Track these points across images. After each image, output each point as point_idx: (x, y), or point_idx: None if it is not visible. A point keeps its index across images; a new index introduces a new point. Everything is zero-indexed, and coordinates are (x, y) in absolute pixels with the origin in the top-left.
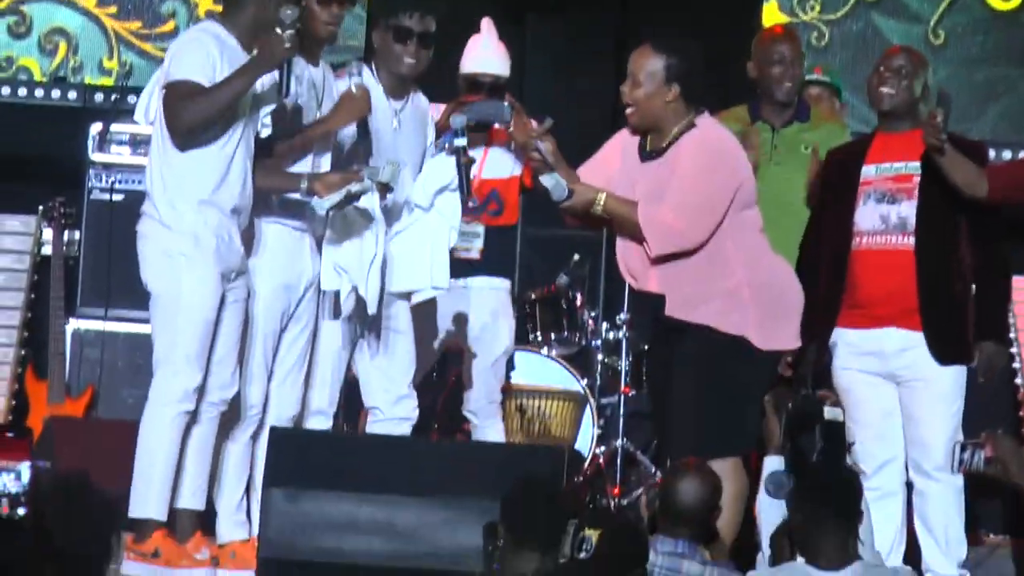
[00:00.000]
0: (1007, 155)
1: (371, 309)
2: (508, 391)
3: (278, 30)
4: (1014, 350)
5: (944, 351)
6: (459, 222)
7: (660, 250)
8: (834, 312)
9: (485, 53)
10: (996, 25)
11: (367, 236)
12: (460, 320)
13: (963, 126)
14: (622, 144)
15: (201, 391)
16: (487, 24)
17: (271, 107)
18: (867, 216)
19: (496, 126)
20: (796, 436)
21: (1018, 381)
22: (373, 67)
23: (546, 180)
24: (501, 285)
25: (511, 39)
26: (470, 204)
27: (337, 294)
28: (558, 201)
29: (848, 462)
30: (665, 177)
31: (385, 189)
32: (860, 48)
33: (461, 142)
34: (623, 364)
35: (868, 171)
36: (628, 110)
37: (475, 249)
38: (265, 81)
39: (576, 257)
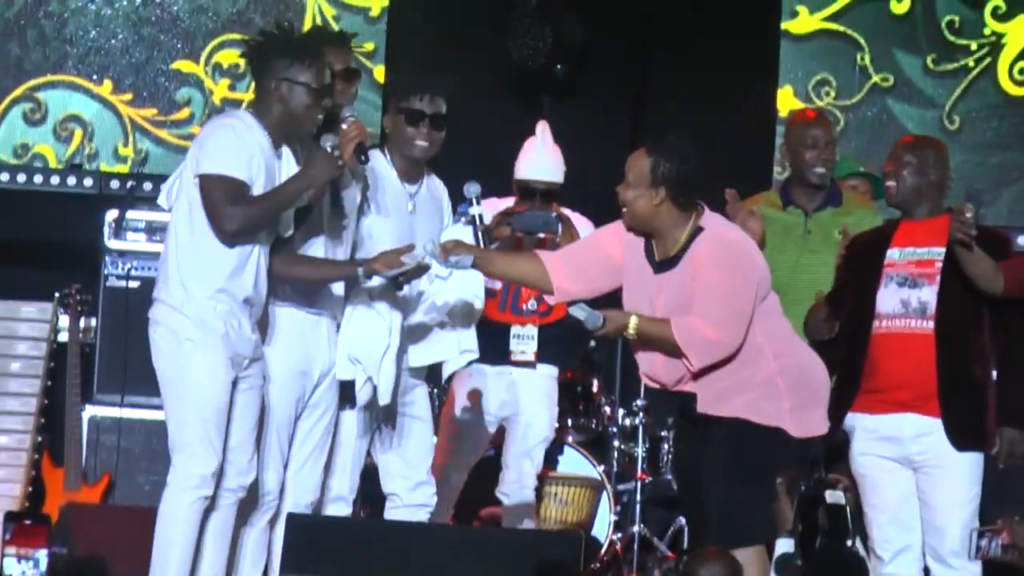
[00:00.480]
0: (1022, 240)
1: (384, 400)
2: (543, 478)
3: (328, 148)
4: None
5: (962, 438)
6: (483, 289)
7: (703, 363)
8: (851, 394)
9: (539, 159)
10: (1010, 110)
11: (380, 327)
12: (506, 404)
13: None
14: (622, 238)
15: (219, 476)
16: (542, 128)
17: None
18: (888, 299)
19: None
20: (807, 519)
21: None
22: (386, 152)
23: (577, 312)
24: (548, 372)
25: (526, 121)
26: (524, 308)
27: (352, 383)
28: (592, 330)
29: (856, 547)
30: (686, 285)
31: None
32: (875, 133)
33: (476, 210)
34: (639, 450)
35: (892, 254)
36: (623, 210)
37: (530, 352)
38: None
39: (592, 343)
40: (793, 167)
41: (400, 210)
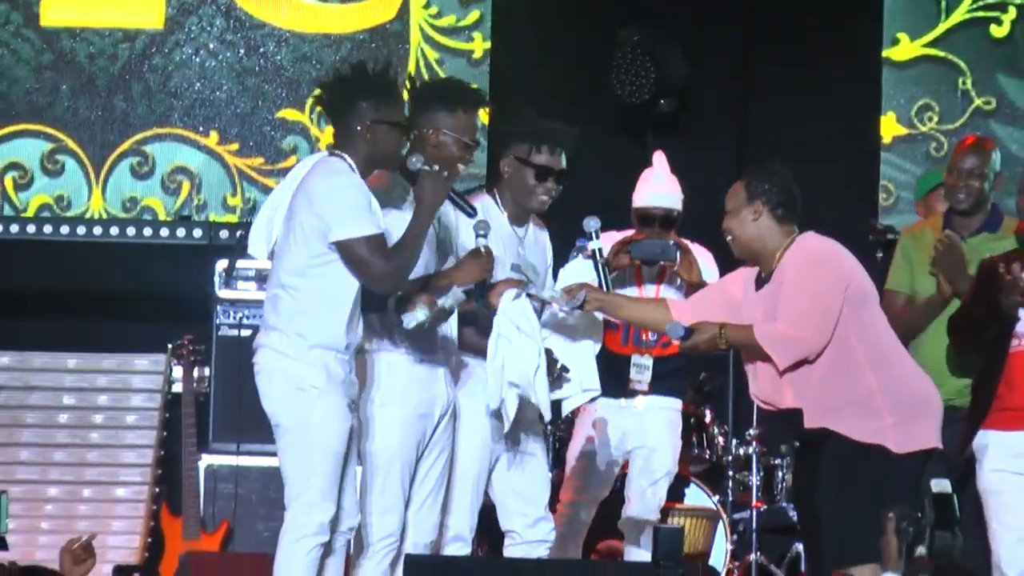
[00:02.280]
0: None
1: (547, 415)
2: (670, 509)
3: (429, 167)
4: None
5: None
6: (601, 327)
7: (785, 361)
8: (984, 410)
9: (657, 187)
10: None
11: (528, 346)
12: (631, 437)
13: None
14: (743, 278)
15: (334, 522)
16: (659, 158)
17: None
18: None
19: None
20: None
21: None
22: (497, 195)
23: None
24: (671, 405)
25: (631, 157)
26: (644, 340)
27: (499, 413)
28: (676, 340)
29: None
30: (775, 296)
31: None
32: None
33: (596, 244)
34: (754, 479)
35: None
36: (728, 240)
37: (645, 383)
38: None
39: (703, 375)
40: (946, 192)
41: (511, 254)
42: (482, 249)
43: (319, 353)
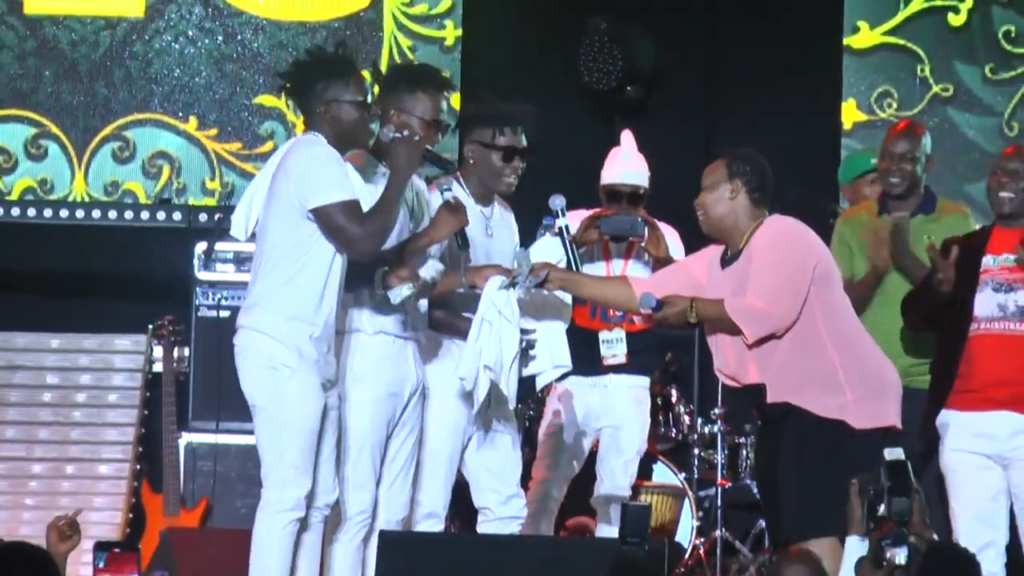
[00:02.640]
0: None
1: (512, 404)
2: (638, 487)
3: (401, 134)
4: None
5: None
6: (570, 304)
7: (756, 334)
8: (945, 392)
9: (625, 164)
10: None
11: (509, 334)
12: (601, 415)
13: None
14: (707, 258)
15: (310, 498)
16: (626, 136)
17: None
18: (985, 303)
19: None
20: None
21: None
22: (461, 179)
23: (641, 300)
24: (639, 383)
25: (599, 142)
26: (612, 315)
27: (471, 394)
28: (646, 311)
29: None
30: (744, 273)
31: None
32: (937, 142)
33: (562, 222)
34: (719, 457)
35: (987, 261)
36: (699, 216)
37: (621, 354)
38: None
39: (669, 355)
40: (879, 176)
41: (480, 235)
42: (452, 201)
43: (292, 332)
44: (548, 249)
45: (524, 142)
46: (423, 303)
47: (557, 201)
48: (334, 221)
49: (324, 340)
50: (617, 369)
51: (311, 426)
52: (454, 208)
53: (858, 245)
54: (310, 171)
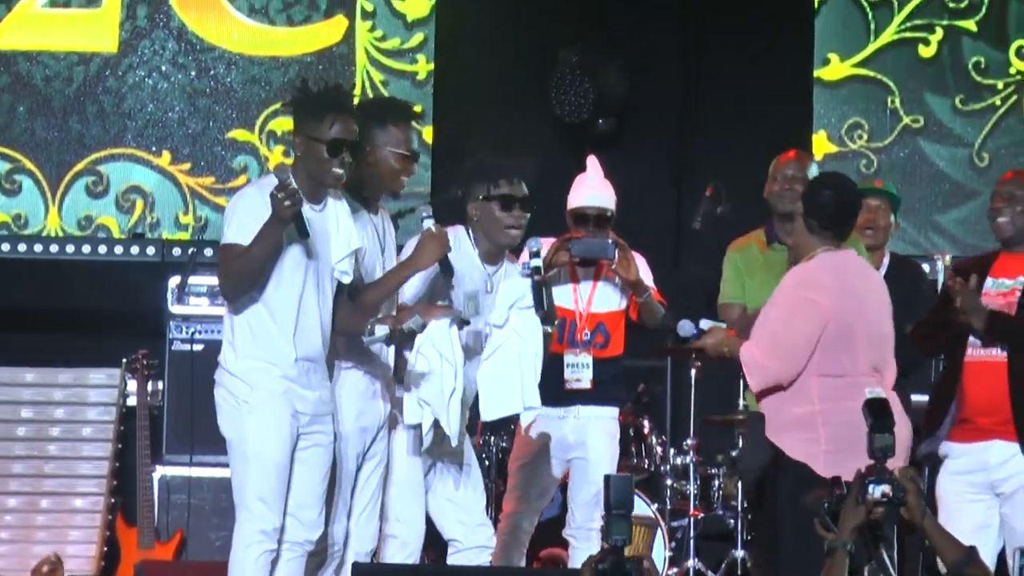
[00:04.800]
0: None
1: (454, 442)
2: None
3: (274, 192)
4: None
5: None
6: (540, 343)
7: (755, 386)
8: (942, 416)
9: (590, 188)
10: None
11: (447, 371)
12: (572, 446)
13: None
14: None
15: (281, 531)
16: (591, 161)
17: (345, 255)
18: None
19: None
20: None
21: None
22: (470, 233)
23: (682, 326)
24: (608, 414)
25: (571, 174)
26: (579, 340)
27: (419, 428)
28: (684, 339)
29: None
30: None
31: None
32: (908, 174)
33: (536, 263)
34: (691, 488)
35: (988, 285)
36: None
37: (585, 379)
38: (329, 230)
39: (642, 386)
40: (768, 201)
41: (480, 289)
42: (433, 229)
43: (251, 368)
44: (515, 286)
45: (524, 191)
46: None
47: (534, 244)
48: (220, 259)
49: (291, 373)
50: (587, 400)
51: (275, 460)
52: (436, 235)
53: (748, 274)
54: (232, 207)
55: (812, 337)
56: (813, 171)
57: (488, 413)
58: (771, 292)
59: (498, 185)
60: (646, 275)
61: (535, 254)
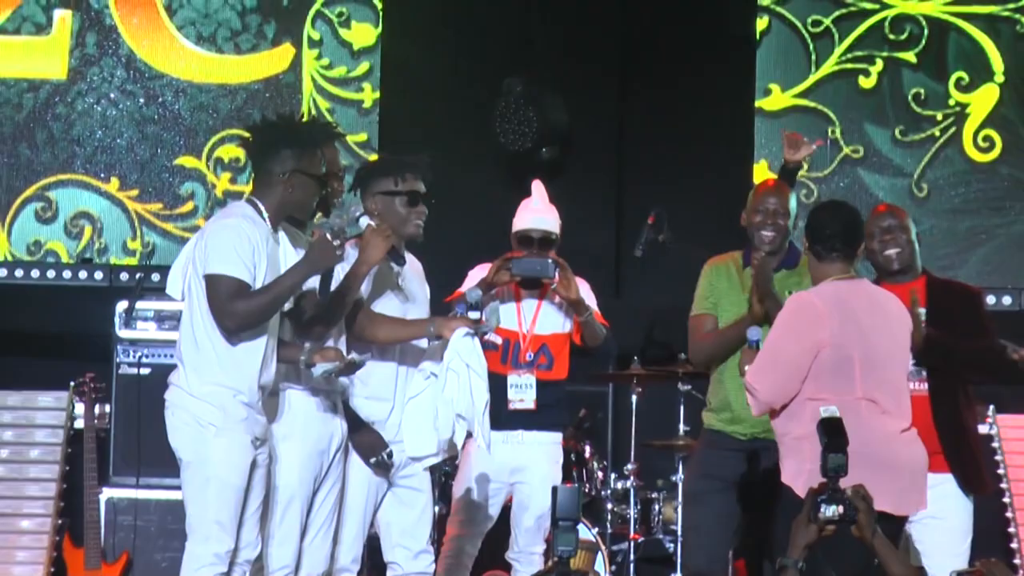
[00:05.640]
0: (991, 299)
1: (488, 450)
2: (550, 541)
3: (328, 236)
4: (1004, 485)
5: (973, 485)
6: (468, 410)
7: (751, 408)
8: None
9: (535, 211)
10: (976, 176)
11: (478, 385)
12: (513, 471)
13: (948, 274)
14: None
15: (233, 554)
16: (536, 185)
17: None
18: None
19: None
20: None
21: (1008, 515)
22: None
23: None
24: (551, 439)
25: (513, 202)
26: (525, 359)
27: (454, 438)
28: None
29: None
30: None
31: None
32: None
33: (475, 315)
34: (632, 512)
35: None
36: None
37: (529, 400)
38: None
39: (583, 412)
40: (747, 230)
41: (391, 290)
42: (373, 224)
43: (217, 392)
44: (462, 346)
45: (424, 188)
46: None
47: (473, 294)
48: (213, 291)
49: (252, 399)
50: (530, 425)
51: (236, 483)
52: (377, 230)
53: (722, 291)
54: (216, 237)
55: (801, 360)
56: (793, 203)
57: (407, 449)
58: (743, 311)
59: (403, 179)
60: (589, 298)
61: (475, 305)
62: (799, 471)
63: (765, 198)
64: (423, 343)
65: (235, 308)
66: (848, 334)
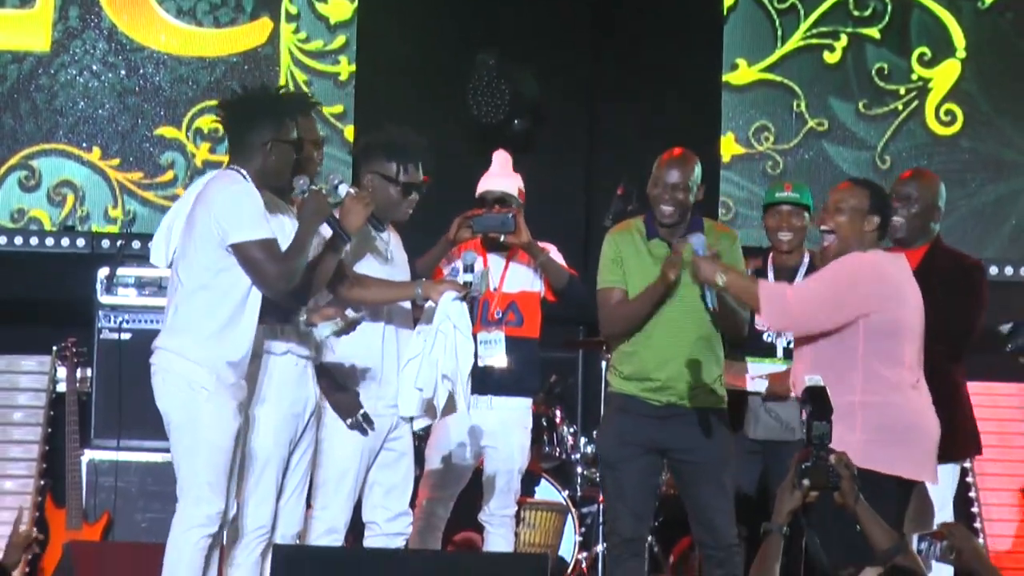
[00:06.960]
0: None
1: (464, 409)
2: (522, 503)
3: (315, 188)
4: None
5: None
6: (454, 371)
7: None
8: None
9: (491, 175)
10: (938, 149)
11: (465, 347)
12: (484, 435)
13: None
14: None
15: (224, 515)
16: (496, 154)
17: None
18: None
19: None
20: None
21: (969, 480)
22: None
23: (694, 240)
24: (521, 404)
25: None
26: (494, 316)
27: (436, 399)
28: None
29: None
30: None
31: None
32: (812, 175)
33: (467, 277)
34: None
35: None
36: (828, 238)
37: (500, 357)
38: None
39: (554, 377)
40: (649, 202)
41: (380, 259)
42: (352, 191)
43: (211, 356)
44: (452, 309)
45: (421, 175)
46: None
47: (469, 256)
48: (252, 257)
49: (240, 365)
50: (501, 390)
51: (226, 446)
52: (357, 197)
53: (627, 259)
54: (232, 207)
55: (847, 314)
56: (698, 174)
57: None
58: (650, 281)
59: (406, 170)
60: (557, 258)
61: (468, 268)
62: (849, 439)
63: (667, 171)
64: (408, 304)
65: (283, 269)
66: (892, 297)
